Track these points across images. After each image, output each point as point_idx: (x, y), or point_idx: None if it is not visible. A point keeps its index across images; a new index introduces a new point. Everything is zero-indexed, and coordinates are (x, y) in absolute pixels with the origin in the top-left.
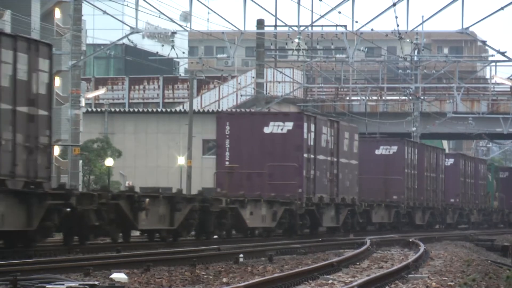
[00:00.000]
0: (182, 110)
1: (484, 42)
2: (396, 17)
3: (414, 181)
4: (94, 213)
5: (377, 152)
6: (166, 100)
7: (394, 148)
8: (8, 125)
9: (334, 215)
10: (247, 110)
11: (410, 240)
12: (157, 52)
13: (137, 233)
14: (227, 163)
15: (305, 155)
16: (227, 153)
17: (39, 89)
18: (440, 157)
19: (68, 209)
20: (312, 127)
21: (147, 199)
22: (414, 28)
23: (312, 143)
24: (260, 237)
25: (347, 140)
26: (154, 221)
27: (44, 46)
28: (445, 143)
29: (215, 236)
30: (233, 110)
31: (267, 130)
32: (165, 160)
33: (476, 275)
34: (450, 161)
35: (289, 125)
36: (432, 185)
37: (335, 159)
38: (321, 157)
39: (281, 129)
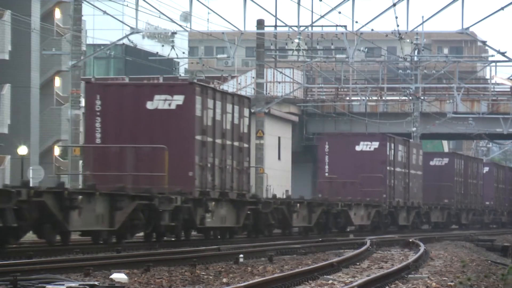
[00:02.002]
0: None
1: (484, 42)
2: (396, 17)
3: (461, 187)
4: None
5: (431, 163)
6: None
7: (446, 160)
8: (229, 154)
9: (406, 216)
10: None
11: (410, 240)
12: (157, 52)
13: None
14: (326, 174)
15: (388, 168)
16: (327, 166)
17: (244, 129)
18: (479, 166)
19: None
20: (392, 146)
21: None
22: (414, 28)
23: (392, 158)
24: (356, 232)
25: (415, 155)
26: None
27: (246, 99)
28: (445, 143)
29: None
30: (332, 132)
31: (358, 148)
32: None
33: (472, 275)
34: (486, 169)
35: (376, 144)
36: (474, 190)
37: (407, 171)
38: (398, 169)
39: (369, 147)
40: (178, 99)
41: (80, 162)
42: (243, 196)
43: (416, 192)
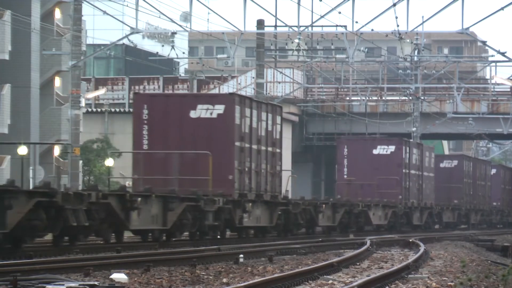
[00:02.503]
0: None
1: (484, 42)
2: (396, 18)
3: (470, 189)
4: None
5: (441, 165)
6: None
7: (455, 162)
8: (264, 159)
9: (419, 216)
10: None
11: (410, 240)
12: (157, 52)
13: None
14: (345, 176)
15: (403, 171)
16: (345, 169)
17: (276, 136)
18: (487, 168)
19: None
20: (407, 149)
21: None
22: (414, 28)
23: (407, 161)
24: (372, 231)
25: (427, 158)
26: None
27: (278, 107)
28: (445, 144)
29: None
30: (350, 136)
31: (375, 151)
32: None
33: (472, 275)
34: (493, 171)
35: (392, 148)
36: (482, 191)
37: (421, 173)
38: (412, 171)
39: (386, 151)
40: (219, 109)
41: (80, 162)
42: (276, 197)
43: (428, 193)
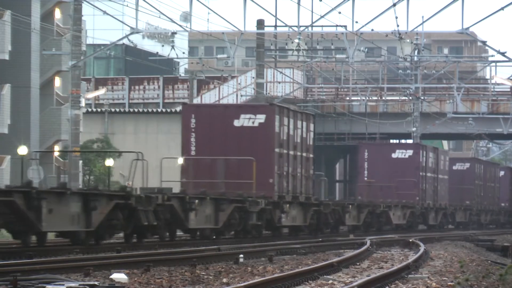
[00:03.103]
0: None
1: (484, 42)
2: (396, 18)
3: (481, 190)
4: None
5: (454, 168)
6: (166, 101)
7: (467, 165)
8: (299, 164)
9: (434, 216)
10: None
11: (410, 240)
12: (157, 52)
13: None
14: (365, 178)
15: (421, 173)
16: (366, 172)
17: (309, 142)
18: (496, 170)
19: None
20: (424, 153)
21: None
22: (414, 28)
23: (424, 165)
24: (393, 230)
25: (442, 161)
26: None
27: (311, 116)
28: (445, 144)
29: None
30: (370, 141)
31: (394, 155)
32: (165, 160)
33: (470, 275)
34: (502, 173)
35: (410, 152)
36: (491, 192)
37: (436, 176)
38: (429, 174)
39: (404, 155)
40: (261, 118)
41: (80, 162)
42: (309, 199)
43: (443, 194)
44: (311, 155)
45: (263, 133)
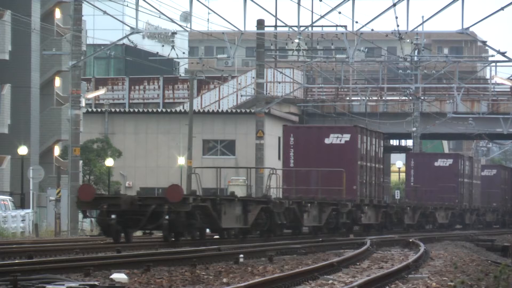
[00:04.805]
0: (182, 110)
1: (484, 42)
2: (396, 18)
3: (504, 193)
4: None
5: (483, 173)
6: (166, 100)
7: (494, 171)
8: (373, 173)
9: (470, 216)
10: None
11: (410, 240)
12: (157, 52)
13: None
14: (412, 183)
15: (459, 179)
16: (412, 178)
17: (380, 155)
18: (510, 174)
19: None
20: (462, 162)
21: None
22: (414, 28)
23: (462, 172)
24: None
25: (476, 168)
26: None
27: (381, 134)
28: (445, 144)
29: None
30: (415, 151)
31: (436, 164)
32: (165, 160)
33: (465, 277)
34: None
35: (450, 161)
36: (503, 194)
37: (471, 181)
38: (466, 180)
39: (445, 163)
40: (346, 137)
41: (80, 162)
42: (381, 202)
43: (476, 197)
44: (382, 166)
45: (349, 148)
